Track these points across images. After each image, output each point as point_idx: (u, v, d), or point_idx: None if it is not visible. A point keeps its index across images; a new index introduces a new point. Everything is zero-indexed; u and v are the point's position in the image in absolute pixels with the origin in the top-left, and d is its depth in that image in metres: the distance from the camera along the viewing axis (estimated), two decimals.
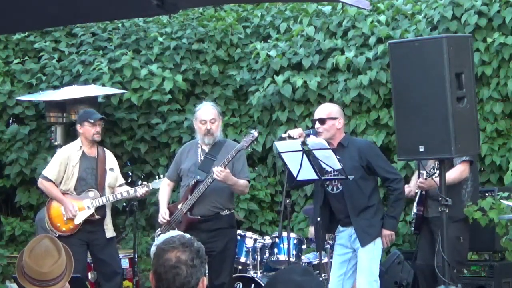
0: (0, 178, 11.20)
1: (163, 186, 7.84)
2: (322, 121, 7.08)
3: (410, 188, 7.55)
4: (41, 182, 8.14)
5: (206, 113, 7.53)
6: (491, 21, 8.91)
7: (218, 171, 7.24)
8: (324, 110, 7.20)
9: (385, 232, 7.00)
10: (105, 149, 8.42)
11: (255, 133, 7.43)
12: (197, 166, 7.51)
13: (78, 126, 8.18)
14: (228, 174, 7.30)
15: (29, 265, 4.34)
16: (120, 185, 8.29)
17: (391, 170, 7.15)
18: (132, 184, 9.19)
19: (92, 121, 8.08)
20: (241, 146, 7.38)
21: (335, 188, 7.10)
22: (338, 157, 6.77)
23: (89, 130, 8.08)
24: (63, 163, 8.06)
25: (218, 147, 7.53)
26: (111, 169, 8.23)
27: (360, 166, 6.98)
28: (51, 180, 8.04)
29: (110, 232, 8.13)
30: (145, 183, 8.23)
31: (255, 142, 7.59)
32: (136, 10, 4.62)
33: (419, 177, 7.32)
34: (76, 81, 10.80)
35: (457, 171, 7.25)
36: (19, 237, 10.94)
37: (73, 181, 8.05)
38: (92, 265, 8.40)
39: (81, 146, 8.13)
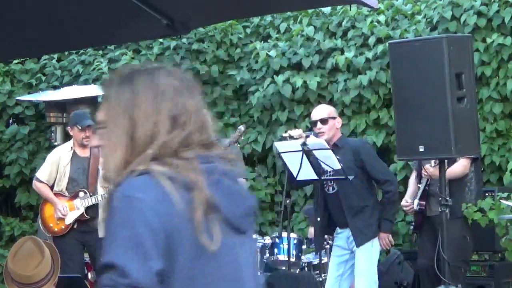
0: None
1: None
2: (324, 121, 7.06)
3: (408, 202, 7.51)
4: (34, 184, 8.19)
5: None
6: (490, 21, 8.91)
7: None
8: (324, 110, 7.20)
9: (380, 234, 6.99)
10: None
11: (241, 128, 7.46)
12: None
13: (68, 128, 8.20)
14: None
15: (13, 270, 4.34)
16: None
17: (384, 171, 7.12)
18: None
19: (80, 128, 8.07)
20: (229, 142, 7.39)
21: (330, 189, 7.08)
22: (338, 157, 6.79)
23: (78, 134, 8.04)
24: (54, 164, 8.06)
25: None
26: None
27: (355, 166, 6.95)
28: (43, 182, 8.06)
29: (102, 232, 8.11)
30: None
31: (242, 137, 7.59)
32: (147, 32, 4.57)
33: (420, 178, 7.32)
34: (76, 81, 10.80)
35: (461, 166, 7.21)
36: (19, 237, 10.91)
37: (64, 181, 8.05)
38: (92, 265, 8.40)
39: (72, 147, 8.12)
